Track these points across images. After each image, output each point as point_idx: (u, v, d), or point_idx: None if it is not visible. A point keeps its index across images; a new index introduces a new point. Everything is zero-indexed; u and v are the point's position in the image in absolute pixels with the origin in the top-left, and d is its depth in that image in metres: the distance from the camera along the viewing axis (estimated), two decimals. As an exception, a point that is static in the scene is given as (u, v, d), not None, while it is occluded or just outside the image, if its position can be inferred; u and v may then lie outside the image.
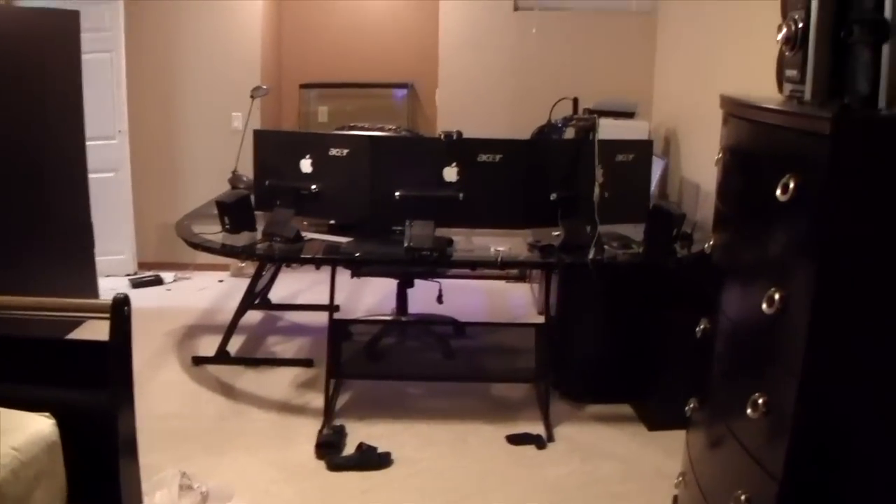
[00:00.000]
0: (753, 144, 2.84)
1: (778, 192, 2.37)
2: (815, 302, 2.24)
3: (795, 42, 2.71)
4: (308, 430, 4.92)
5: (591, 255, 4.73)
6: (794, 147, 2.38)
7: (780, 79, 2.97)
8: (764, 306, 2.43)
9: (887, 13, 2.28)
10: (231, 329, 6.05)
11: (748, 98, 2.90)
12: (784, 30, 2.78)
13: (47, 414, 3.00)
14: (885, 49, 2.29)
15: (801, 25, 2.68)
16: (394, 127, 6.57)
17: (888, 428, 2.31)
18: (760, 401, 2.46)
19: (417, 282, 6.30)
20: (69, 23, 6.50)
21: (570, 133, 5.64)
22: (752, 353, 2.70)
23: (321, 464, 4.59)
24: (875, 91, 2.34)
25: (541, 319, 5.79)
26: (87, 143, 6.83)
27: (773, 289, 2.41)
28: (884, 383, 2.28)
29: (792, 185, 2.32)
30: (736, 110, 2.99)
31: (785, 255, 2.46)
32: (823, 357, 2.26)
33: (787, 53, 2.84)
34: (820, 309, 2.24)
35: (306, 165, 5.03)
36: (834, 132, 2.14)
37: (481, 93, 8.12)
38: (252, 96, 6.67)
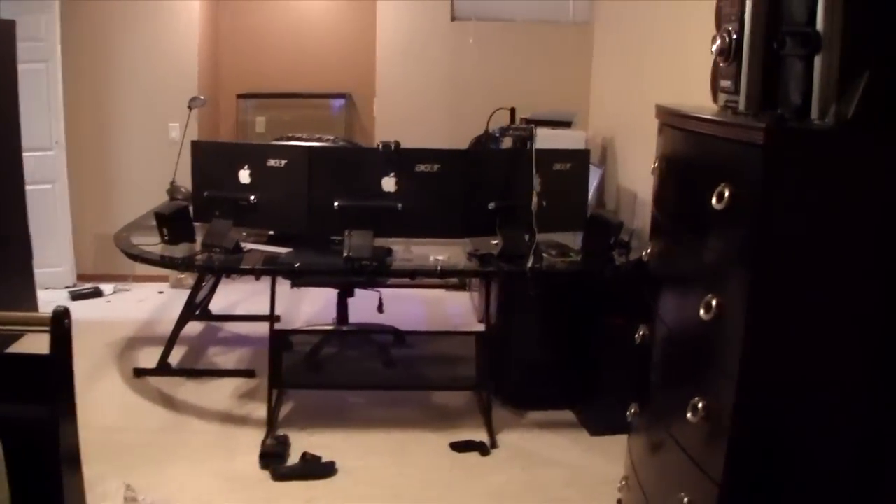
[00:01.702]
0: (688, 154, 2.89)
1: (713, 200, 2.41)
2: (751, 308, 2.28)
3: (729, 53, 2.77)
4: (251, 441, 4.92)
5: (529, 264, 4.78)
6: (729, 157, 2.42)
7: (715, 89, 3.02)
8: (701, 312, 2.47)
9: (819, 26, 2.33)
10: (172, 340, 6.02)
11: (683, 108, 2.94)
12: (718, 41, 2.83)
13: (-11, 428, 2.99)
14: (817, 61, 2.34)
15: (734, 37, 2.73)
16: (332, 137, 6.58)
17: (824, 429, 2.36)
18: (699, 405, 2.50)
19: (358, 291, 6.32)
20: (4, 33, 6.43)
21: (507, 143, 5.69)
22: (690, 358, 2.74)
23: (265, 474, 4.59)
24: (808, 102, 2.39)
25: (481, 327, 5.83)
26: (24, 154, 6.76)
27: (709, 295, 2.45)
28: (818, 386, 2.33)
29: (727, 193, 2.36)
30: (671, 120, 3.03)
31: (720, 263, 2.50)
32: (760, 361, 2.31)
33: (721, 64, 2.89)
34: (755, 315, 2.28)
35: (244, 176, 5.03)
36: (767, 142, 2.18)
37: (419, 103, 8.14)
38: (189, 107, 6.65)
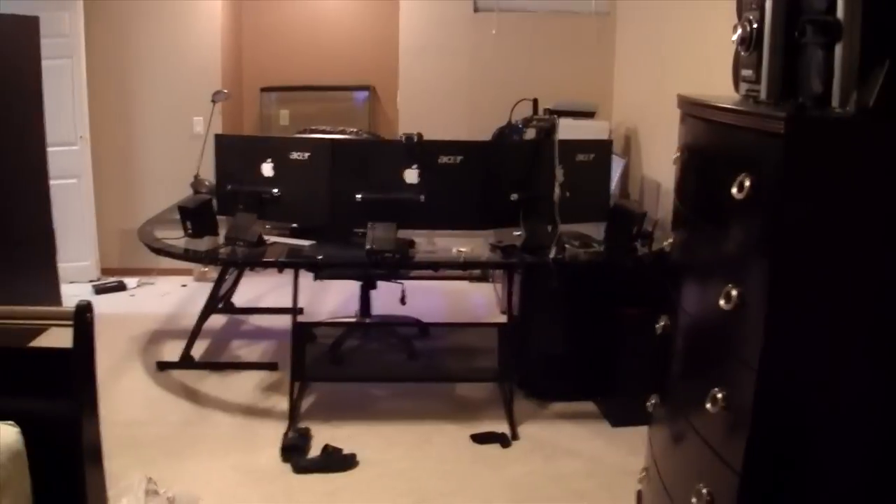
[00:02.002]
0: (710, 143, 2.87)
1: (734, 190, 2.40)
2: (771, 298, 2.27)
3: (750, 42, 2.75)
4: (273, 434, 4.93)
5: (552, 255, 4.76)
6: (750, 146, 2.41)
7: (737, 78, 3.00)
8: (721, 302, 2.46)
9: (839, 14, 2.31)
10: (195, 333, 6.04)
11: (704, 98, 2.93)
12: (739, 30, 2.81)
13: (11, 422, 3.00)
14: (838, 49, 2.33)
15: (755, 26, 2.71)
16: (355, 130, 6.58)
17: (845, 419, 2.35)
18: (719, 395, 2.49)
19: (380, 283, 6.32)
20: (28, 29, 6.46)
21: (530, 134, 5.67)
22: (710, 348, 2.73)
23: (287, 467, 4.60)
24: (828, 90, 2.37)
25: (503, 319, 5.82)
26: (49, 149, 6.79)
27: (730, 285, 2.44)
28: (838, 376, 2.32)
29: (747, 183, 2.34)
30: (693, 110, 3.02)
31: (741, 252, 2.49)
32: (780, 351, 2.30)
33: (742, 54, 2.87)
34: (775, 304, 2.27)
35: (268, 169, 5.03)
36: (787, 132, 2.17)
37: (442, 95, 8.14)
38: (213, 101, 6.66)
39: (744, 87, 2.90)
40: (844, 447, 2.37)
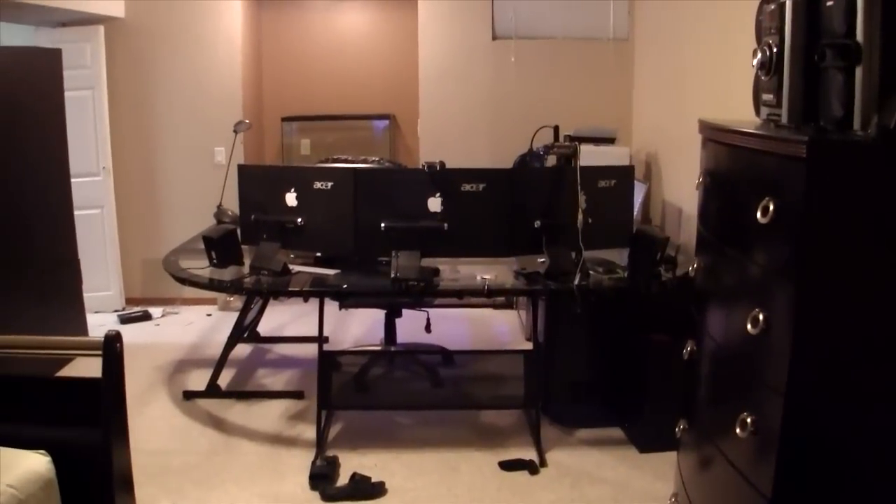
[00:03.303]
0: (732, 168, 2.89)
1: (758, 214, 2.41)
2: (797, 321, 2.27)
3: (770, 67, 2.77)
4: (300, 462, 4.94)
5: (576, 282, 4.77)
6: (772, 170, 2.42)
7: (757, 103, 3.02)
8: (748, 327, 2.47)
9: (859, 37, 2.32)
10: (221, 363, 6.06)
11: (725, 122, 2.94)
12: (759, 55, 2.83)
13: (43, 451, 3.02)
14: (858, 72, 2.34)
15: (775, 50, 2.73)
16: (376, 159, 6.62)
17: (873, 443, 2.34)
18: (748, 420, 2.49)
19: (405, 311, 6.33)
20: (51, 62, 6.53)
21: (551, 160, 5.68)
22: (738, 373, 2.73)
23: (315, 495, 4.60)
24: (849, 114, 2.38)
25: (528, 346, 5.81)
26: (72, 180, 6.84)
27: (756, 310, 2.44)
28: (867, 399, 2.32)
29: (771, 207, 2.35)
30: (714, 135, 3.03)
31: (766, 277, 2.50)
32: (807, 375, 2.30)
33: (762, 78, 2.89)
34: (802, 328, 2.27)
35: (291, 199, 5.05)
36: (809, 155, 2.18)
37: (462, 122, 8.16)
38: (235, 130, 6.71)
39: (765, 111, 2.91)
40: (874, 471, 2.37)
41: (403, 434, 5.46)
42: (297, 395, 6.01)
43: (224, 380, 6.13)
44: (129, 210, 8.22)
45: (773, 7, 2.78)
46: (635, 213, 5.88)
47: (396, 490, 4.67)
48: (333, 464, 4.85)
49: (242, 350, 6.87)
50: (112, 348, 3.02)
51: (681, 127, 6.14)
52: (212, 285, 5.15)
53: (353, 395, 5.88)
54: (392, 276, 4.78)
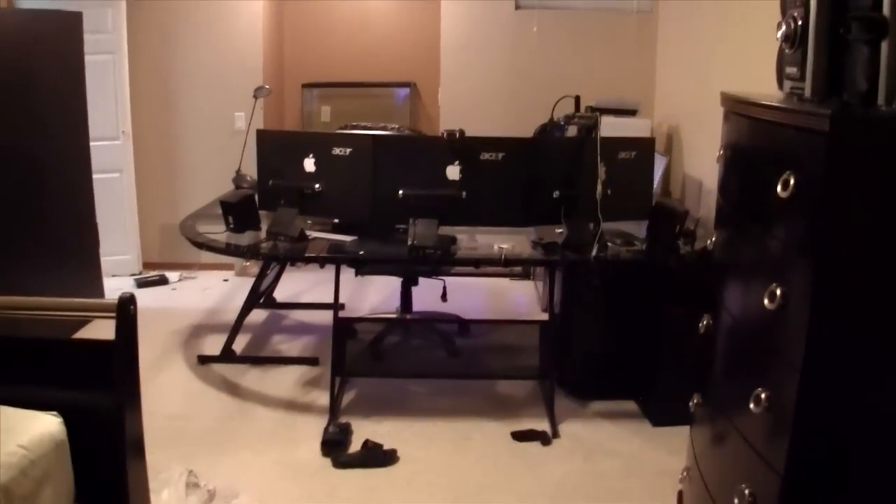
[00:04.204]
0: (754, 141, 2.86)
1: (778, 188, 2.38)
2: (815, 297, 2.25)
3: (795, 40, 2.73)
4: (313, 429, 4.94)
5: (594, 253, 4.75)
6: (794, 144, 2.39)
7: (781, 76, 2.98)
8: (765, 302, 2.44)
9: (885, 10, 2.29)
10: (236, 328, 6.07)
11: (748, 95, 2.91)
12: (783, 27, 2.79)
13: (55, 413, 3.02)
14: (884, 46, 2.30)
15: (800, 23, 2.69)
16: (396, 126, 6.59)
17: (888, 421, 2.32)
18: (763, 395, 2.47)
19: (421, 280, 6.32)
20: (72, 25, 6.51)
21: (572, 131, 5.65)
22: (753, 348, 2.71)
23: (327, 461, 4.61)
24: (874, 88, 2.35)
25: (545, 317, 5.80)
26: (91, 143, 6.84)
27: (773, 284, 2.42)
28: (882, 376, 2.30)
29: (792, 181, 2.33)
30: (736, 107, 3.00)
31: (785, 251, 2.48)
32: (824, 351, 2.28)
33: (786, 51, 2.85)
34: (820, 304, 2.25)
35: (309, 165, 5.04)
36: (832, 129, 2.15)
37: (483, 92, 8.14)
38: (255, 96, 6.70)
39: (788, 84, 2.88)
40: (887, 449, 2.35)
41: (417, 403, 5.47)
42: (311, 361, 6.01)
43: (239, 345, 6.14)
44: (148, 174, 8.22)
45: (798, -21, 2.75)
46: (655, 185, 5.86)
47: (408, 458, 4.67)
48: (346, 430, 4.86)
49: (258, 316, 6.88)
50: (126, 311, 3.01)
51: (703, 100, 6.10)
52: (228, 250, 5.15)
53: (368, 363, 5.90)
54: (409, 243, 4.77)
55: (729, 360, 3.05)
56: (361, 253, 5.01)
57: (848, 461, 2.37)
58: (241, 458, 4.65)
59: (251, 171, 5.72)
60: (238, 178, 6.40)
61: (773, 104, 2.60)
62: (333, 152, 5.01)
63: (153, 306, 7.12)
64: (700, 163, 6.34)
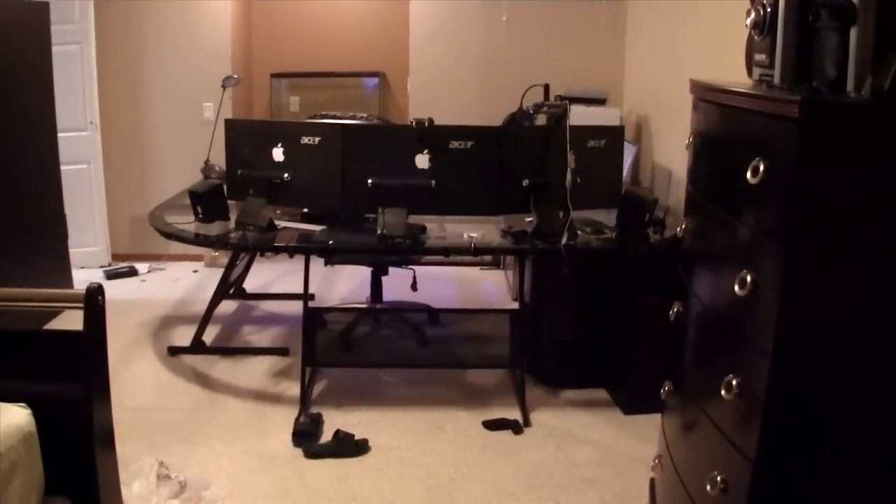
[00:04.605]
0: (723, 129, 2.86)
1: (748, 175, 2.38)
2: (785, 284, 2.26)
3: (764, 26, 2.73)
4: (284, 419, 4.94)
5: (563, 241, 4.75)
6: (764, 131, 2.40)
7: (750, 63, 2.99)
8: (736, 289, 2.45)
9: (854, -3, 2.30)
10: (206, 319, 6.05)
11: (717, 82, 2.91)
12: (752, 14, 2.80)
13: (23, 405, 3.00)
14: (853, 33, 2.31)
15: (769, 10, 2.69)
16: (365, 116, 6.58)
17: (859, 407, 2.34)
18: (733, 382, 2.48)
19: (391, 269, 6.31)
20: (39, 15, 6.46)
21: (541, 120, 5.66)
22: (724, 335, 2.72)
23: (298, 452, 4.61)
24: (843, 75, 2.35)
25: (515, 306, 5.81)
26: (59, 134, 6.80)
27: (744, 271, 2.43)
28: (853, 363, 2.31)
29: (762, 168, 2.33)
30: (705, 95, 3.00)
31: (755, 238, 2.48)
32: (794, 338, 2.29)
33: (755, 38, 2.86)
34: (789, 291, 2.26)
35: (278, 154, 5.02)
36: (801, 116, 2.15)
37: (453, 81, 8.13)
38: (223, 86, 6.68)
39: (757, 71, 2.88)
40: (858, 435, 2.36)
41: (388, 392, 5.47)
42: (282, 351, 6.01)
43: (209, 336, 6.13)
44: (117, 165, 8.17)
45: (767, -34, 2.76)
46: (625, 174, 5.87)
47: (380, 448, 4.67)
48: (317, 421, 4.86)
49: (228, 306, 6.86)
50: (94, 301, 2.99)
51: (672, 89, 6.12)
52: (197, 240, 5.12)
53: (339, 353, 5.89)
54: (378, 232, 4.76)
55: (699, 347, 3.06)
56: (331, 242, 4.99)
57: (818, 447, 2.38)
58: (212, 449, 4.64)
59: (220, 161, 5.71)
60: (207, 169, 6.38)
61: (743, 91, 2.61)
62: (302, 141, 5.00)
63: (123, 298, 7.09)
64: (670, 151, 6.36)
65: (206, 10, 8.02)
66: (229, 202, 5.23)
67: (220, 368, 5.74)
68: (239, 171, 5.13)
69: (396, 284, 6.50)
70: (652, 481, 3.67)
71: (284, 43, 9.07)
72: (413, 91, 8.22)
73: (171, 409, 5.12)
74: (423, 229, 5.01)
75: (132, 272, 7.98)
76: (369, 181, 4.87)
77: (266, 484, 4.31)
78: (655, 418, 3.65)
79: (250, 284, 7.25)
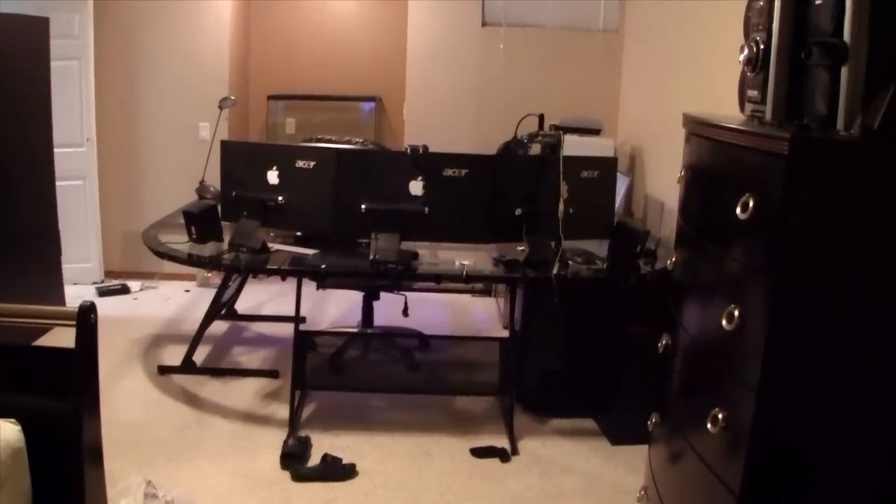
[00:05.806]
0: (715, 163, 2.89)
1: (738, 210, 2.41)
2: (772, 318, 2.28)
3: (757, 63, 2.76)
4: (272, 441, 4.94)
5: (554, 271, 4.77)
6: (754, 166, 2.42)
7: (742, 99, 3.02)
8: (723, 322, 2.47)
9: (846, 36, 2.32)
10: (197, 339, 6.05)
11: (710, 117, 2.94)
12: (746, 51, 2.83)
13: (12, 420, 3.01)
14: (844, 71, 2.34)
15: (762, 47, 2.72)
16: (360, 140, 6.59)
17: (844, 441, 2.35)
18: (720, 415, 2.50)
19: (383, 294, 6.32)
20: (38, 30, 6.48)
21: (535, 149, 5.68)
22: (711, 368, 2.73)
23: (285, 474, 4.60)
24: (833, 112, 2.38)
25: (505, 333, 5.81)
26: (55, 150, 6.80)
27: (731, 305, 2.45)
28: (838, 398, 2.32)
29: (751, 203, 2.36)
30: (698, 129, 3.03)
31: (743, 273, 2.50)
32: (780, 373, 2.30)
33: (748, 74, 2.89)
34: (776, 325, 2.28)
35: (273, 177, 5.04)
36: (791, 153, 2.18)
37: (448, 107, 8.15)
38: (220, 107, 6.69)
39: (749, 107, 2.91)
40: (844, 469, 2.38)
41: (376, 417, 5.47)
42: (272, 373, 6.00)
43: (200, 356, 6.12)
44: (112, 182, 8.18)
45: (761, 3, 2.78)
46: (617, 205, 5.89)
47: (367, 472, 4.67)
48: (305, 444, 4.86)
49: (219, 327, 6.86)
50: (86, 319, 3.00)
51: (666, 121, 6.14)
52: (190, 260, 5.13)
53: (328, 376, 5.89)
54: (371, 257, 4.77)
55: (687, 379, 3.07)
56: (323, 266, 5.00)
57: (803, 481, 2.40)
58: (200, 468, 4.64)
59: (215, 181, 5.71)
60: (201, 189, 6.39)
61: (734, 126, 2.63)
62: (297, 165, 5.01)
63: (114, 315, 7.09)
64: (662, 183, 6.38)
65: (204, 29, 8.04)
66: (223, 223, 5.24)
67: (210, 389, 5.74)
68: (233, 193, 5.14)
69: (388, 309, 6.51)
70: (637, 512, 3.68)
71: (282, 65, 9.10)
72: (409, 116, 8.24)
73: (160, 428, 5.12)
74: (415, 255, 5.03)
75: (124, 290, 7.98)
76: (363, 206, 4.88)
77: (252, 505, 4.31)
78: (643, 449, 3.67)
79: (242, 305, 7.26)
